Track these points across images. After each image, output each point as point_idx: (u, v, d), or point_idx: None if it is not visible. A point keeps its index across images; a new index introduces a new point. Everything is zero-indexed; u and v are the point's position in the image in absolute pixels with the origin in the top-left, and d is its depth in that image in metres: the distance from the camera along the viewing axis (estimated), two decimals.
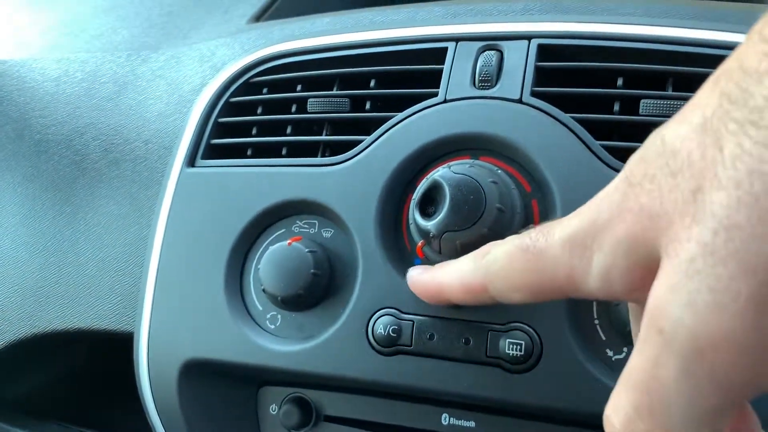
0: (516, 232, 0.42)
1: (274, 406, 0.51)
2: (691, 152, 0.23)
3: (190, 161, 0.53)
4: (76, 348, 0.72)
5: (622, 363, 0.41)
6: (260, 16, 0.68)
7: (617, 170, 0.42)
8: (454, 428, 0.46)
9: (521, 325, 0.41)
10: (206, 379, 0.50)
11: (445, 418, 0.47)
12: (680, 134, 0.24)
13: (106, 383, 0.75)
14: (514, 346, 0.41)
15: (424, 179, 0.43)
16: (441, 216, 0.40)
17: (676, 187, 0.23)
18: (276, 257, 0.46)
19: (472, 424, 0.46)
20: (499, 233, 0.41)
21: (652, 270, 0.24)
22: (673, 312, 0.22)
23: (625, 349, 0.41)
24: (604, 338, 0.41)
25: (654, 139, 0.26)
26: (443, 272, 0.38)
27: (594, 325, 0.41)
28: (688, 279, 0.22)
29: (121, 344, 0.56)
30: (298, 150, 0.52)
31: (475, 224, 0.40)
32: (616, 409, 0.26)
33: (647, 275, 0.25)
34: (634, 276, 0.26)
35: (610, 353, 0.41)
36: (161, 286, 0.51)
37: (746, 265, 0.21)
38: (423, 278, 0.40)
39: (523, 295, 0.32)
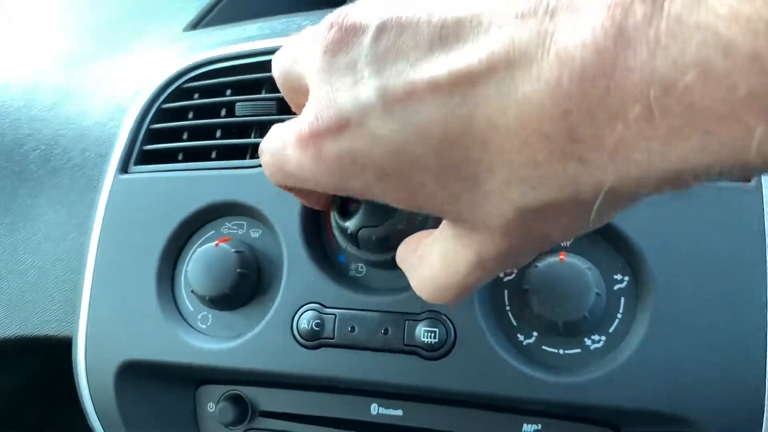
0: (432, 226, 0.44)
1: (212, 404, 0.52)
2: None
3: (123, 168, 0.54)
4: (26, 358, 0.72)
5: (532, 347, 0.43)
6: (197, 24, 0.69)
7: None
8: (382, 417, 0.48)
9: (436, 313, 0.43)
10: (143, 380, 0.51)
11: (374, 408, 0.48)
12: None
13: (58, 393, 0.76)
14: (429, 334, 0.42)
15: None
16: (358, 214, 0.42)
17: None
18: (203, 258, 0.47)
19: (400, 412, 0.48)
20: (413, 227, 0.43)
21: None
22: None
23: (534, 334, 0.43)
24: (515, 324, 0.43)
25: None
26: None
27: (506, 312, 0.43)
28: None
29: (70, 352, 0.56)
30: (227, 153, 0.53)
31: (390, 220, 0.42)
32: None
33: None
34: None
35: (521, 338, 0.43)
36: (97, 291, 0.52)
37: None
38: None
39: None
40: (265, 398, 0.51)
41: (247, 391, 0.51)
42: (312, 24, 0.57)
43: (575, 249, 0.43)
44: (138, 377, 0.51)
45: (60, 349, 0.59)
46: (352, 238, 0.43)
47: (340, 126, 0.26)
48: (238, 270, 0.46)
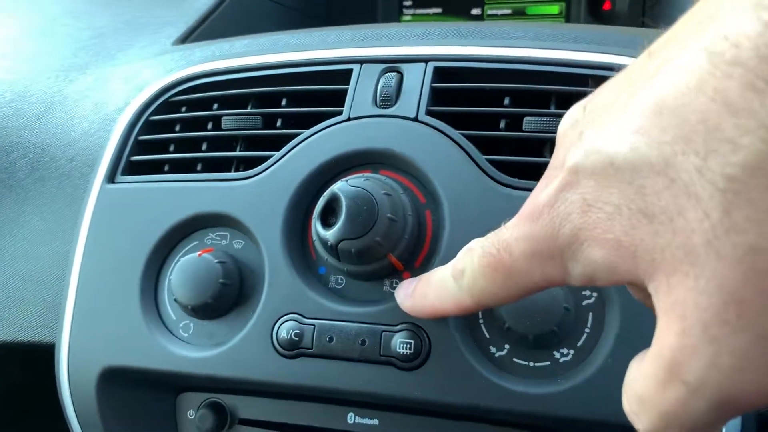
0: (409, 239, 0.45)
1: (192, 411, 0.53)
2: (660, 192, 0.23)
3: (111, 178, 0.56)
4: (6, 365, 0.73)
5: (504, 359, 0.44)
6: (186, 38, 0.71)
7: (500, 183, 0.46)
8: (359, 426, 0.49)
9: (412, 325, 0.44)
10: (125, 387, 0.52)
11: (351, 417, 0.49)
12: (638, 157, 0.24)
13: (39, 400, 0.76)
14: (405, 345, 0.44)
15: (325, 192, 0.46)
16: (338, 226, 0.43)
17: (656, 235, 0.23)
18: (186, 268, 0.48)
19: (376, 422, 0.49)
20: (391, 241, 0.44)
21: (639, 284, 0.26)
22: (698, 371, 0.23)
23: (506, 346, 0.44)
24: (487, 336, 0.45)
25: (592, 143, 0.26)
26: (437, 299, 0.38)
27: (479, 324, 0.45)
28: (707, 344, 0.23)
29: (51, 359, 0.57)
30: (213, 165, 0.54)
31: (369, 233, 0.43)
32: None
33: (632, 282, 0.26)
34: (619, 281, 0.27)
35: (493, 350, 0.44)
36: (81, 298, 0.53)
37: (761, 332, 0.22)
38: (418, 305, 0.40)
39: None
40: (244, 406, 0.52)
41: (227, 399, 0.52)
42: (297, 42, 0.59)
43: None
44: (119, 383, 0.52)
45: (40, 355, 0.60)
46: (332, 250, 0.44)
47: None
48: (221, 280, 0.48)
